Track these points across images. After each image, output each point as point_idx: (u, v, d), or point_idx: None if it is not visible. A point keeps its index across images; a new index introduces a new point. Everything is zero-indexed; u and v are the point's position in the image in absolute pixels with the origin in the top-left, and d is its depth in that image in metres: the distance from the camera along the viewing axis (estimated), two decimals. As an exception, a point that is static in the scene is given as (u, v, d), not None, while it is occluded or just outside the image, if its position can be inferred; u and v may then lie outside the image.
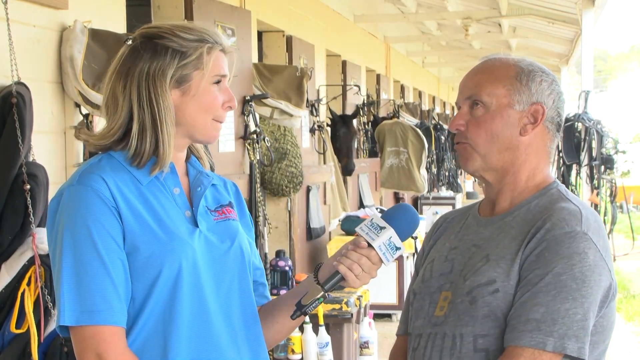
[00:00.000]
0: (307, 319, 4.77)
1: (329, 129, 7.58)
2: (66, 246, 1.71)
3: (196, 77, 1.80)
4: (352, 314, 5.07)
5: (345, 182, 7.95)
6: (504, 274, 1.74)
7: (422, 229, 8.80)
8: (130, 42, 1.84)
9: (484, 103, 1.82)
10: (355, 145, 7.98)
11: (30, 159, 3.00)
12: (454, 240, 1.91)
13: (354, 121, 8.12)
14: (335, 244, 6.93)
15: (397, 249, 1.83)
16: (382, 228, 1.82)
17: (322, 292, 1.83)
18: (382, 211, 6.50)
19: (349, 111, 8.65)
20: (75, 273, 1.70)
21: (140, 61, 1.79)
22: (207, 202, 1.90)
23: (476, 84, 1.85)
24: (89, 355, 1.69)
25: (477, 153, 1.84)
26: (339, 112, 8.52)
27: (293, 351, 4.72)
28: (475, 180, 17.04)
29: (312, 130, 6.87)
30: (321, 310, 4.87)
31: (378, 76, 10.58)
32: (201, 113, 1.82)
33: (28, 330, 2.81)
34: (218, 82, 1.83)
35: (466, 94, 1.86)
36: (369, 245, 1.81)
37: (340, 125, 7.74)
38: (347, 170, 7.78)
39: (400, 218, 1.85)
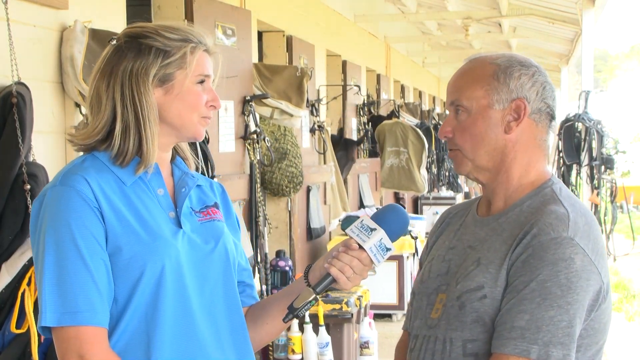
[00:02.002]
0: (307, 319, 4.77)
1: (329, 129, 7.57)
2: (48, 247, 1.71)
3: (179, 77, 1.81)
4: (352, 314, 5.07)
5: (345, 182, 7.95)
6: (492, 280, 1.74)
7: (422, 229, 8.80)
8: (114, 42, 1.84)
9: (465, 107, 1.83)
10: (345, 175, 7.90)
11: (30, 159, 3.00)
12: (453, 240, 1.92)
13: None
14: (335, 244, 6.89)
15: (388, 250, 1.83)
16: (372, 229, 1.82)
17: (314, 295, 1.82)
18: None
19: (350, 112, 8.64)
20: (57, 274, 1.69)
21: (124, 60, 1.80)
22: (192, 203, 1.90)
23: (457, 89, 1.85)
24: (71, 356, 1.69)
25: (467, 158, 1.85)
26: (339, 113, 8.51)
27: (293, 351, 4.72)
28: (465, 180, 16.98)
29: (312, 130, 6.87)
30: (321, 310, 4.87)
31: (378, 76, 10.58)
32: (186, 112, 1.82)
33: (28, 330, 2.80)
34: (202, 81, 1.84)
35: (450, 99, 1.87)
36: (360, 247, 1.81)
37: (341, 147, 7.70)
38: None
39: (390, 219, 1.85)
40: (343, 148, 7.73)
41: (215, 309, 1.84)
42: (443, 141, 2.12)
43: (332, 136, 7.65)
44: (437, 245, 1.97)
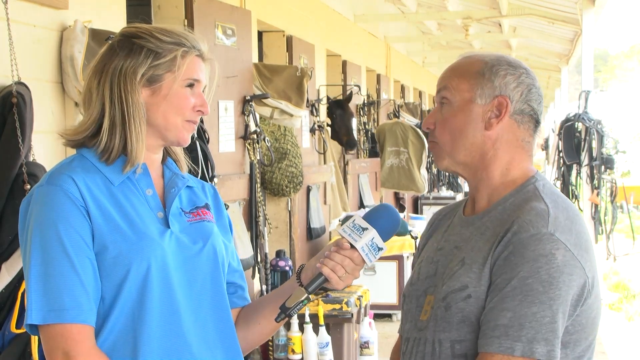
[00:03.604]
0: (307, 319, 4.77)
1: (329, 128, 7.58)
2: (34, 246, 1.72)
3: (168, 79, 1.82)
4: (352, 314, 5.08)
5: (345, 182, 7.95)
6: (476, 279, 1.73)
7: (422, 229, 8.80)
8: (111, 40, 1.87)
9: (449, 100, 1.84)
10: (355, 125, 7.98)
11: (30, 159, 3.00)
12: (441, 241, 1.92)
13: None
14: (335, 244, 6.91)
15: (380, 249, 1.83)
16: (364, 229, 1.82)
17: (306, 295, 1.83)
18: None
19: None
20: (42, 272, 1.70)
21: (115, 58, 1.82)
22: (182, 204, 1.91)
23: (444, 82, 1.87)
24: (57, 354, 1.70)
25: (444, 151, 1.85)
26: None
27: (293, 351, 4.72)
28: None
29: (312, 130, 6.87)
30: (321, 310, 4.87)
31: (378, 76, 10.58)
32: (172, 114, 1.83)
33: (28, 330, 2.81)
34: (191, 85, 1.85)
35: (437, 91, 1.89)
36: (352, 246, 1.81)
37: (336, 108, 7.78)
38: (349, 145, 7.82)
39: (381, 219, 1.85)
40: (338, 107, 7.80)
41: (203, 309, 1.85)
42: (426, 130, 2.11)
43: (329, 100, 7.73)
44: (427, 248, 1.97)
